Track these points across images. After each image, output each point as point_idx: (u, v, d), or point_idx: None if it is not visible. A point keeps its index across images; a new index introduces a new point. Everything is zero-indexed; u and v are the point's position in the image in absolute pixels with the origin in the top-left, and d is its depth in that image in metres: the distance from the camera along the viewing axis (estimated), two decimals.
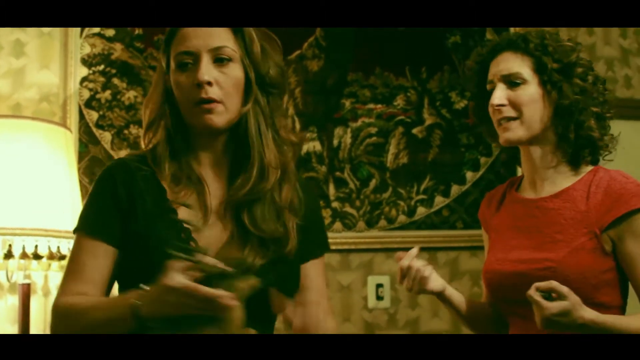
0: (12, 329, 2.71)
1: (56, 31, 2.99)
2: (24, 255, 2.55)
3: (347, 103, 3.24)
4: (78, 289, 1.39)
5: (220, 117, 1.39)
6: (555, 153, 1.76)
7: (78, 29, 2.99)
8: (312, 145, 3.18)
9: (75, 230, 1.45)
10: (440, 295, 1.81)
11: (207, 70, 1.37)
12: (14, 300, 2.75)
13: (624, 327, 1.57)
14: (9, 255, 2.55)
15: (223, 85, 1.39)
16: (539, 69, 1.73)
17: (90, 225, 1.43)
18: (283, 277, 1.43)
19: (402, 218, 3.22)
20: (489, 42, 1.86)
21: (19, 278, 2.57)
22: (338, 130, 3.22)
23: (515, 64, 1.74)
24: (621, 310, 1.70)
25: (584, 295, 1.58)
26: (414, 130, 3.28)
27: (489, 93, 1.78)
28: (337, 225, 3.18)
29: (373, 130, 3.25)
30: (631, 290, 1.71)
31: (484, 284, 1.84)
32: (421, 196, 3.24)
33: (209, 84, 1.37)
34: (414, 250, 1.75)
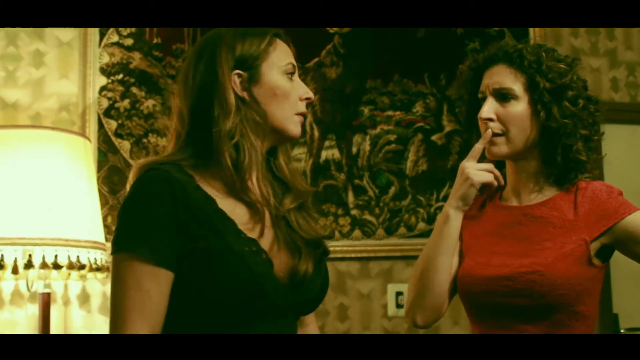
0: None
1: (75, 41, 3.00)
2: (44, 265, 2.56)
3: (366, 110, 3.23)
4: (145, 329, 1.28)
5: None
6: (541, 171, 1.75)
7: (97, 39, 3.01)
8: (331, 153, 3.17)
9: (127, 251, 1.31)
10: (465, 205, 1.76)
11: (308, 89, 1.50)
12: (34, 310, 2.76)
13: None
14: (29, 265, 2.56)
15: None
16: (531, 87, 1.70)
17: (151, 248, 1.29)
18: (325, 278, 1.50)
19: (421, 225, 3.20)
20: (485, 50, 1.84)
21: (39, 287, 2.58)
22: (357, 138, 3.21)
23: (508, 78, 1.72)
24: (594, 320, 1.72)
25: (568, 301, 1.63)
26: (433, 137, 3.26)
27: (480, 102, 1.77)
28: (357, 233, 3.16)
29: (392, 137, 3.23)
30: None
31: (459, 288, 1.78)
32: (441, 203, 3.22)
33: (309, 100, 1.48)
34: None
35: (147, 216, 1.30)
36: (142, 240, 1.30)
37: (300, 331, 1.55)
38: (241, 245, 1.33)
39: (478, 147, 1.73)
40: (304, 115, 1.47)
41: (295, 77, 1.47)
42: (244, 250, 1.32)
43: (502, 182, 1.75)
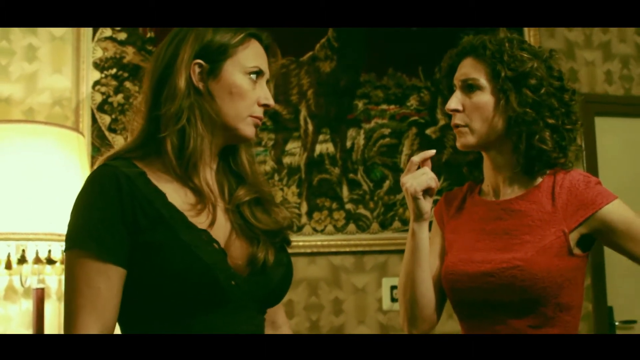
0: (27, 333, 2.71)
1: (68, 35, 2.99)
2: (37, 260, 2.56)
3: (360, 104, 3.23)
4: (97, 326, 1.29)
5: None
6: (512, 161, 1.74)
7: (90, 34, 3.00)
8: (325, 147, 3.17)
9: (76, 248, 1.31)
10: (422, 217, 1.73)
11: (270, 96, 1.48)
12: (28, 305, 2.76)
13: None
14: (22, 260, 2.56)
15: None
16: (494, 77, 1.71)
17: (99, 245, 1.30)
18: (288, 268, 1.49)
19: None
20: (460, 44, 1.84)
21: (33, 283, 2.57)
22: (351, 132, 3.21)
23: (472, 70, 1.74)
24: (579, 310, 1.72)
25: (551, 293, 1.63)
26: (428, 131, 3.26)
27: None
28: (351, 227, 3.16)
29: (386, 131, 3.23)
30: None
31: (444, 285, 1.79)
32: (435, 197, 3.20)
33: (267, 106, 1.46)
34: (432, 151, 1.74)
35: (94, 213, 1.31)
36: (90, 237, 1.30)
37: (272, 332, 1.55)
38: (191, 236, 1.32)
39: (415, 160, 1.73)
40: (259, 119, 1.46)
41: (262, 81, 1.46)
42: (193, 241, 1.32)
43: (438, 184, 1.73)
